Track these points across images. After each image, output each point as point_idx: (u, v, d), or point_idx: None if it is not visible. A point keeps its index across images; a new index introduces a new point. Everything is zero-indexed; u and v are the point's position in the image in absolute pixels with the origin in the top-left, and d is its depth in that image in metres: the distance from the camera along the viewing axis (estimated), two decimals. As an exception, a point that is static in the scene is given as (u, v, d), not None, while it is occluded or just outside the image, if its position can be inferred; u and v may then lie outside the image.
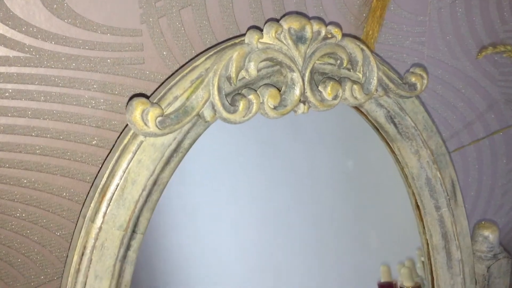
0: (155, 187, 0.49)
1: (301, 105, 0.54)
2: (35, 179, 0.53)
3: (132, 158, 0.48)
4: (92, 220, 0.48)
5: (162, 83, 0.54)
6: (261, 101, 0.50)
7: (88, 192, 0.51)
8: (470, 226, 0.72)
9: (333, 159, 0.68)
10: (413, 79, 0.60)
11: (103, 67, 0.54)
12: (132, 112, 0.45)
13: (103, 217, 0.47)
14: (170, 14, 0.55)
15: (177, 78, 0.49)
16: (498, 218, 0.89)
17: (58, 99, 0.52)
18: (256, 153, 0.63)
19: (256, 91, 0.50)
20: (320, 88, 0.54)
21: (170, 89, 0.48)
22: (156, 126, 0.46)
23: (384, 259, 0.73)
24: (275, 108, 0.51)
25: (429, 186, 0.65)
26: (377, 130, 0.62)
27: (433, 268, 0.68)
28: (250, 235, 0.65)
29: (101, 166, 0.53)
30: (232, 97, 0.50)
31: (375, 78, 0.56)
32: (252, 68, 0.50)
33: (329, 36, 0.54)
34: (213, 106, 0.48)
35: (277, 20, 0.52)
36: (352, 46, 0.55)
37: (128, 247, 0.49)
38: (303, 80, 0.52)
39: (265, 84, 0.52)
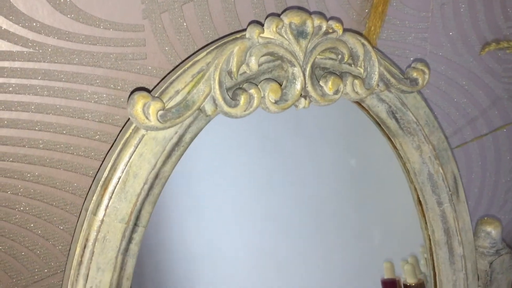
0: (157, 181, 0.50)
1: (302, 99, 0.54)
2: (38, 173, 0.54)
3: (133, 152, 0.48)
4: (94, 213, 0.48)
5: (164, 77, 0.55)
6: (262, 96, 0.51)
7: (91, 186, 0.51)
8: (473, 223, 0.71)
9: (334, 154, 0.68)
10: (414, 74, 0.60)
11: (106, 62, 0.54)
12: (133, 106, 0.46)
13: (105, 210, 0.48)
14: (172, 9, 0.56)
15: (179, 73, 0.49)
16: (501, 215, 0.88)
17: (61, 93, 0.53)
18: (257, 147, 0.63)
19: (257, 85, 0.50)
20: (321, 82, 0.54)
21: (171, 83, 0.49)
22: (158, 120, 0.46)
23: (387, 256, 0.73)
24: (276, 102, 0.51)
25: (431, 182, 0.65)
26: (379, 125, 0.62)
27: (435, 264, 0.68)
28: (251, 229, 0.65)
29: (103, 160, 0.54)
30: (233, 92, 0.50)
31: (376, 72, 0.56)
32: (253, 63, 0.50)
33: (330, 31, 0.54)
34: (214, 100, 0.49)
35: (278, 15, 0.52)
36: (353, 41, 0.55)
37: (130, 240, 0.49)
38: (304, 75, 0.52)
39: (266, 78, 0.52)
